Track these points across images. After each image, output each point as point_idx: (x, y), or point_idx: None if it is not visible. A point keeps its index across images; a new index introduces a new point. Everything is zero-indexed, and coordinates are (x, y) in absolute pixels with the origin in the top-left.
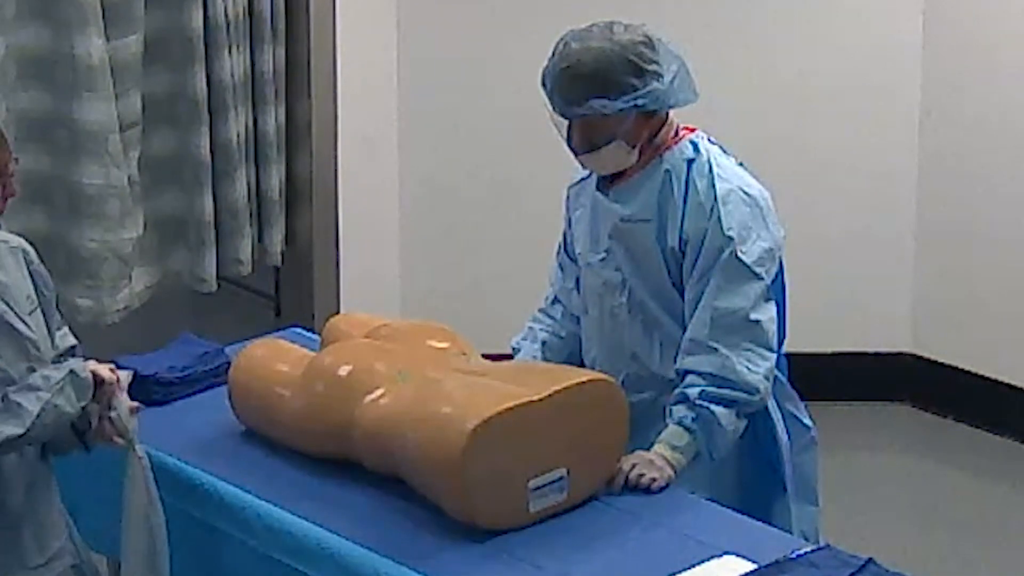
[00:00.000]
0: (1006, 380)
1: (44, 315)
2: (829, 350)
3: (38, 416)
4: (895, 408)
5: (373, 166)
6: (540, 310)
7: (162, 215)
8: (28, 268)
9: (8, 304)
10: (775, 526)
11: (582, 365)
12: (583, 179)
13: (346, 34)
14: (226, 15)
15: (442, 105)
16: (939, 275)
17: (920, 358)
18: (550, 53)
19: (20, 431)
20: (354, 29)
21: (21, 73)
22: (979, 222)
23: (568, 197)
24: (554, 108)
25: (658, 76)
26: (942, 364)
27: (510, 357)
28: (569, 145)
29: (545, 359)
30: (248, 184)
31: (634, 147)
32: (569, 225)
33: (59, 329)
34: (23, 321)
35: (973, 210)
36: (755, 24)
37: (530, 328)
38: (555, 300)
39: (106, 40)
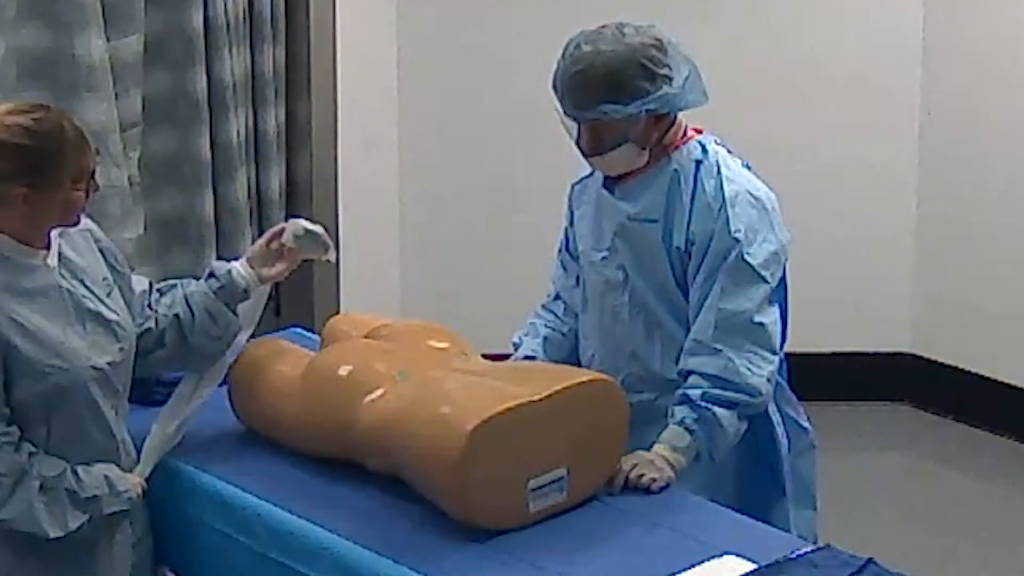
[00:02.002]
0: (1006, 380)
1: (121, 292)
2: (829, 350)
3: (69, 532)
4: (895, 408)
5: (373, 166)
6: (542, 306)
7: (162, 215)
8: (98, 247)
9: (90, 289)
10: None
11: (580, 362)
12: (586, 177)
13: (346, 34)
14: (226, 15)
15: (442, 105)
16: (939, 275)
17: (920, 358)
18: (560, 55)
19: (51, 534)
20: (354, 29)
21: (21, 73)
22: (979, 222)
23: (571, 195)
24: (565, 111)
25: (669, 79)
26: (942, 364)
27: (510, 357)
28: (579, 146)
29: (546, 354)
30: (248, 184)
31: (644, 148)
32: (571, 223)
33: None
34: (105, 304)
35: (973, 210)
36: (755, 24)
37: (532, 324)
38: (557, 297)
39: (106, 40)
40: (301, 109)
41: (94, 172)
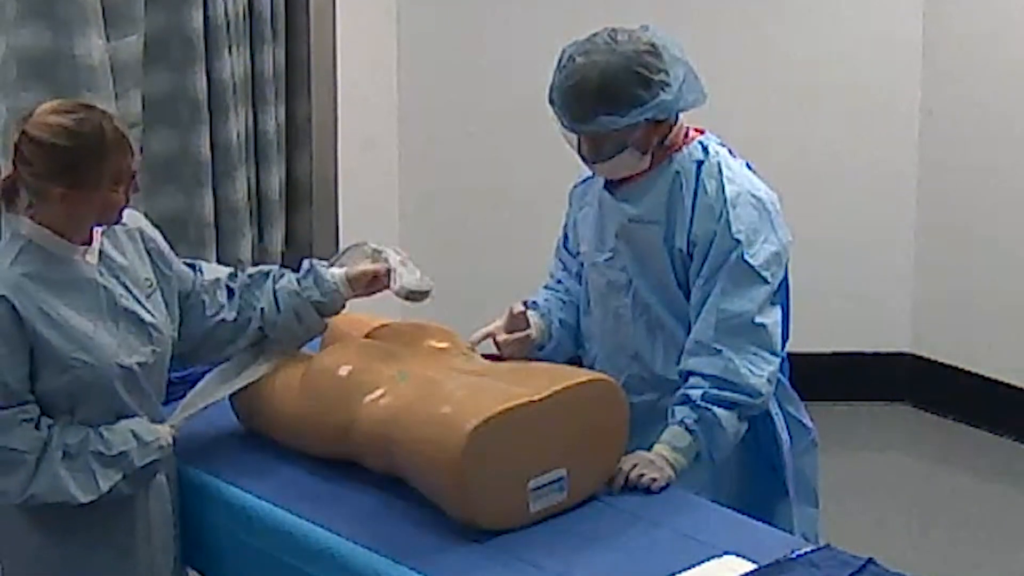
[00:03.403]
0: (1006, 380)
1: (164, 295)
2: (829, 350)
3: (103, 494)
4: (895, 408)
5: (373, 166)
6: (546, 286)
7: (162, 215)
8: (146, 248)
9: (128, 289)
10: (777, 528)
11: (581, 362)
12: (588, 179)
13: (346, 34)
14: (226, 15)
15: (442, 105)
16: (939, 275)
17: (920, 358)
18: (555, 66)
19: (83, 499)
20: (354, 29)
21: (21, 73)
22: (979, 222)
23: (572, 195)
24: (563, 124)
25: (665, 85)
26: (942, 364)
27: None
28: (580, 154)
29: (549, 308)
30: (248, 184)
31: (645, 153)
32: (572, 223)
33: (199, 272)
34: (142, 305)
35: (973, 210)
36: (754, 24)
37: (538, 294)
38: (559, 281)
39: (106, 40)
40: (301, 109)
41: (135, 173)
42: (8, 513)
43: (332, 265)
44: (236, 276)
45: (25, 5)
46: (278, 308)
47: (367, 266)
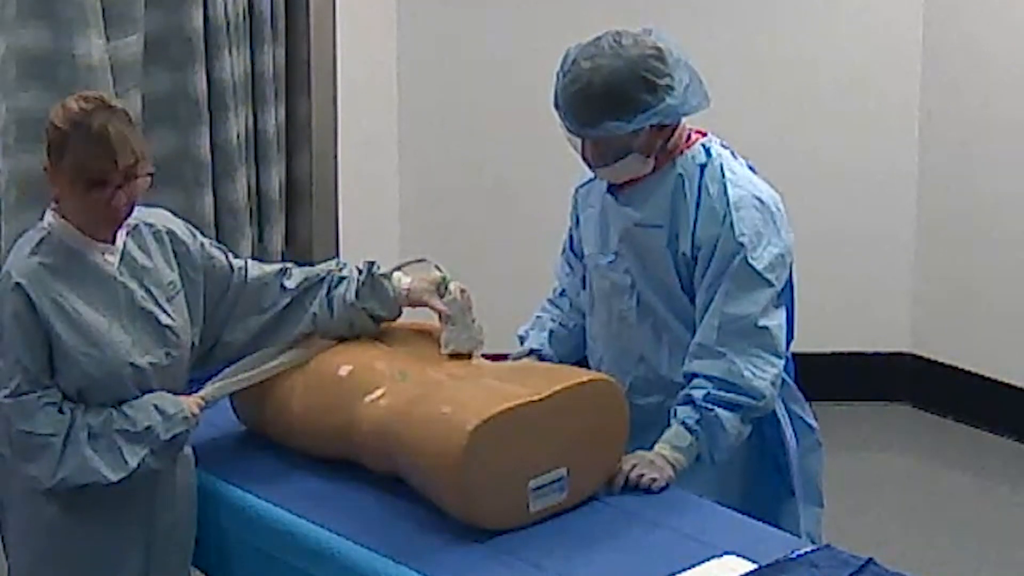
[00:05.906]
0: (1006, 380)
1: (187, 298)
2: (829, 350)
3: (132, 470)
4: (895, 408)
5: (373, 166)
6: (548, 300)
7: None
8: (174, 251)
9: (150, 291)
10: (782, 529)
11: (587, 362)
12: (591, 179)
13: (346, 34)
14: (226, 15)
15: (442, 105)
16: (939, 275)
17: (920, 358)
18: (558, 69)
19: (113, 478)
20: (354, 29)
21: (21, 73)
22: (979, 222)
23: (576, 197)
24: (568, 129)
25: (670, 89)
26: (942, 364)
27: (515, 351)
28: (584, 158)
29: (551, 347)
30: (248, 184)
31: (648, 157)
32: (577, 225)
33: (246, 270)
34: (162, 308)
35: (973, 210)
36: (755, 24)
37: (538, 317)
38: (562, 293)
39: (106, 40)
40: (301, 109)
41: (135, 176)
42: (22, 499)
43: (396, 270)
44: (286, 272)
45: (25, 5)
46: (331, 315)
47: (434, 301)
